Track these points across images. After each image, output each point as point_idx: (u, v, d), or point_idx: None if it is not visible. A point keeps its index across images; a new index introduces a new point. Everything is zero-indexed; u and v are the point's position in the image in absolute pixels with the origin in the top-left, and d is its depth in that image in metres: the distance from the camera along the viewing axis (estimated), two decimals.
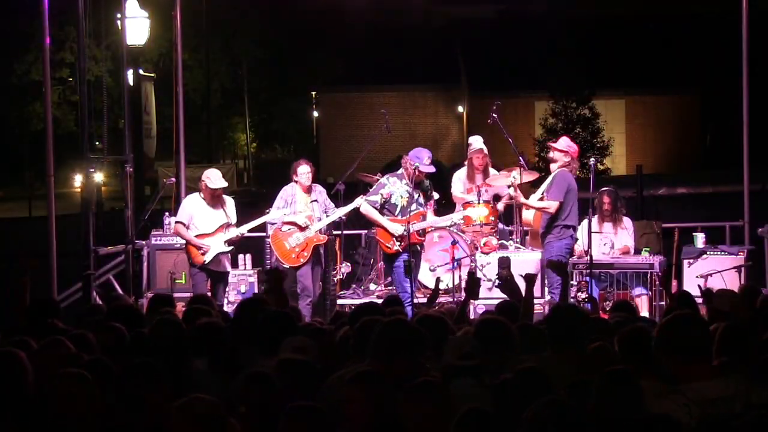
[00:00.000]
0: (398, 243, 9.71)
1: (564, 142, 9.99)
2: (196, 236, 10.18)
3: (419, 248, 10.10)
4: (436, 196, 10.63)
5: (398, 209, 9.84)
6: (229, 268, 10.50)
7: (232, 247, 10.34)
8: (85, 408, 4.52)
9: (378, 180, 10.31)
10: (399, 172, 9.97)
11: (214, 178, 10.27)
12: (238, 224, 10.41)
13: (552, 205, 9.63)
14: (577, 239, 10.08)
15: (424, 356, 4.98)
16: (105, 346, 5.55)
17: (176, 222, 10.41)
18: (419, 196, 9.97)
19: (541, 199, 9.83)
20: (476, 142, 11.46)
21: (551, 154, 9.97)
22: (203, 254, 10.15)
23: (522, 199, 9.95)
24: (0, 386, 4.67)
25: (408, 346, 4.84)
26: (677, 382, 4.38)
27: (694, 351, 4.35)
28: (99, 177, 10.94)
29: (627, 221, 11.00)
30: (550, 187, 9.76)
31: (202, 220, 10.22)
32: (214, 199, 10.26)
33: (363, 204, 9.99)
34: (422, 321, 5.61)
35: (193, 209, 10.27)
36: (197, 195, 10.40)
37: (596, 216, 10.77)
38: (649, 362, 4.86)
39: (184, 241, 10.35)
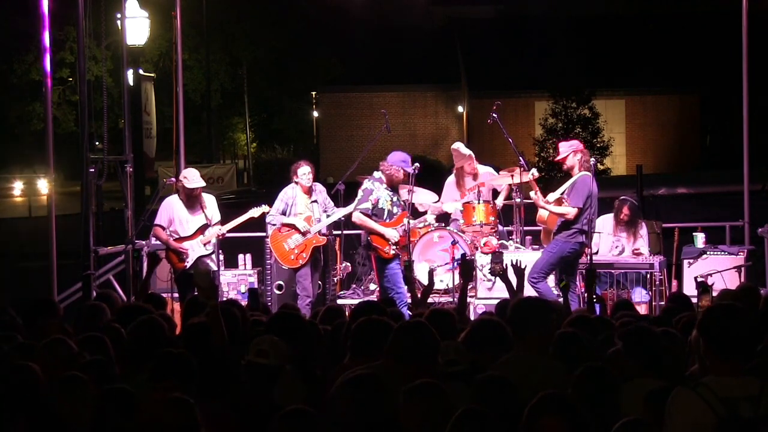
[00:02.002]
0: (394, 247, 9.77)
1: (565, 147, 9.97)
2: (176, 240, 10.11)
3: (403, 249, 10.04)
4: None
5: (386, 213, 9.85)
6: (214, 267, 10.35)
7: (212, 250, 10.25)
8: (86, 410, 4.53)
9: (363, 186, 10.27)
10: (377, 177, 9.95)
11: (191, 177, 10.13)
12: (226, 220, 10.35)
13: (571, 212, 9.58)
14: (586, 245, 9.97)
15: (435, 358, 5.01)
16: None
17: (155, 225, 10.24)
18: (398, 198, 10.06)
19: (560, 200, 9.79)
20: (462, 148, 11.38)
21: (565, 165, 9.94)
22: (184, 260, 10.10)
23: (541, 202, 9.85)
24: (14, 398, 4.68)
25: (425, 349, 4.86)
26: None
27: (730, 347, 4.19)
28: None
29: (643, 230, 11.00)
30: (570, 191, 9.69)
31: (181, 223, 10.13)
32: (192, 199, 10.12)
33: (355, 213, 9.97)
34: (432, 317, 5.67)
35: (172, 212, 10.15)
36: (175, 197, 10.29)
37: (613, 220, 10.83)
38: (655, 361, 4.85)
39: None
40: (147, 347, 5.33)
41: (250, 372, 4.96)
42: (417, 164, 10.05)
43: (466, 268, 7.40)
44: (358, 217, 9.91)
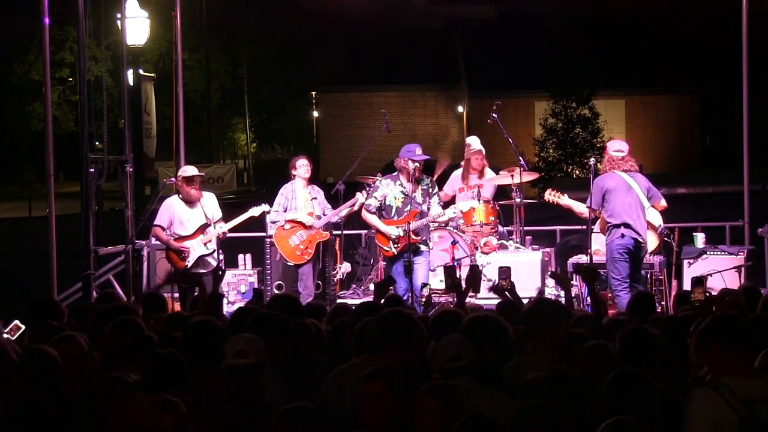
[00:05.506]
0: (395, 246, 9.58)
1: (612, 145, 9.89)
2: (176, 240, 10.10)
3: (421, 247, 9.71)
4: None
5: (393, 210, 9.69)
6: (216, 264, 10.36)
7: (213, 249, 10.23)
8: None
9: (375, 182, 10.23)
10: (394, 174, 9.84)
11: (188, 168, 10.39)
12: (227, 219, 10.35)
13: (585, 212, 9.63)
14: (628, 236, 9.55)
15: (423, 349, 4.97)
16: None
17: (154, 225, 10.24)
18: (417, 194, 9.78)
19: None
20: (475, 142, 11.46)
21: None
22: (185, 258, 10.09)
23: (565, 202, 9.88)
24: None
25: (403, 337, 4.81)
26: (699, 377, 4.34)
27: (742, 343, 4.30)
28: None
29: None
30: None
31: (182, 223, 10.13)
32: (193, 194, 10.16)
33: (363, 211, 9.95)
34: (439, 317, 5.65)
35: (172, 212, 10.15)
36: (175, 197, 10.30)
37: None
38: (655, 362, 4.80)
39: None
40: (127, 349, 5.32)
41: (233, 374, 4.92)
42: (417, 164, 9.94)
43: (474, 278, 7.29)
44: (363, 214, 9.90)
